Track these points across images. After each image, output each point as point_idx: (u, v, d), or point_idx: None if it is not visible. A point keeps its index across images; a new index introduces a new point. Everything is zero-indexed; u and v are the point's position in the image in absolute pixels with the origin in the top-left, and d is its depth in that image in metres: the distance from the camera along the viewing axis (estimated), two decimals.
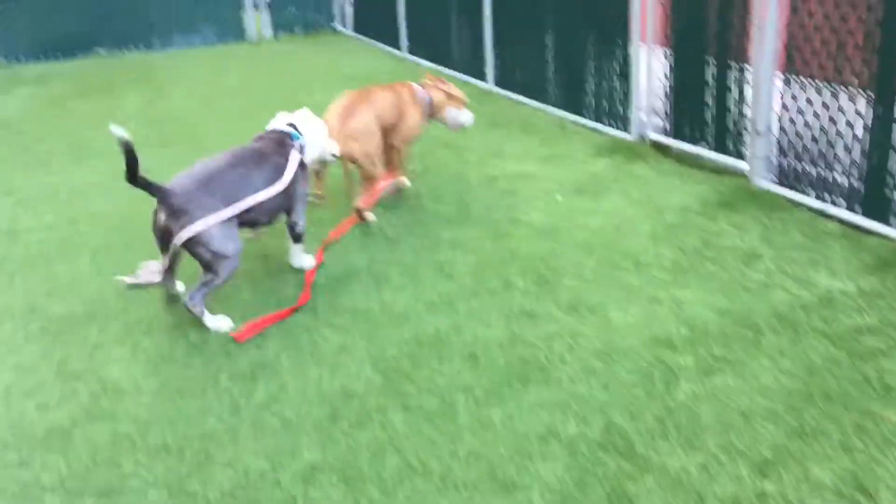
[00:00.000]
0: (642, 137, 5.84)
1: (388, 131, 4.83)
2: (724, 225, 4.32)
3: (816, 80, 4.30)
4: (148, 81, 9.56)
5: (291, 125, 4.07)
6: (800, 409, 2.77)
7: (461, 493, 2.51)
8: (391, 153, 4.94)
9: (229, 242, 3.52)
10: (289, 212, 3.96)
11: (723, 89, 5.04)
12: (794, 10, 4.35)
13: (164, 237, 3.50)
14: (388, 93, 4.89)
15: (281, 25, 13.07)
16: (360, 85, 4.97)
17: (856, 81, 4.08)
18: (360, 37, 12.32)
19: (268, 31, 13.01)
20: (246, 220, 3.68)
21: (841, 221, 4.22)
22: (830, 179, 4.35)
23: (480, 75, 8.18)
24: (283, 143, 3.95)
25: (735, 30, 4.84)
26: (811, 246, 4.00)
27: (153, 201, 3.47)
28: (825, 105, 4.28)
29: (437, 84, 5.10)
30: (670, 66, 5.49)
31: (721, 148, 5.18)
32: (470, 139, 6.00)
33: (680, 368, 3.06)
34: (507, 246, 4.25)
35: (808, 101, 4.38)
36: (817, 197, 4.42)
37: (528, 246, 4.23)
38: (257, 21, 12.98)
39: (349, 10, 12.93)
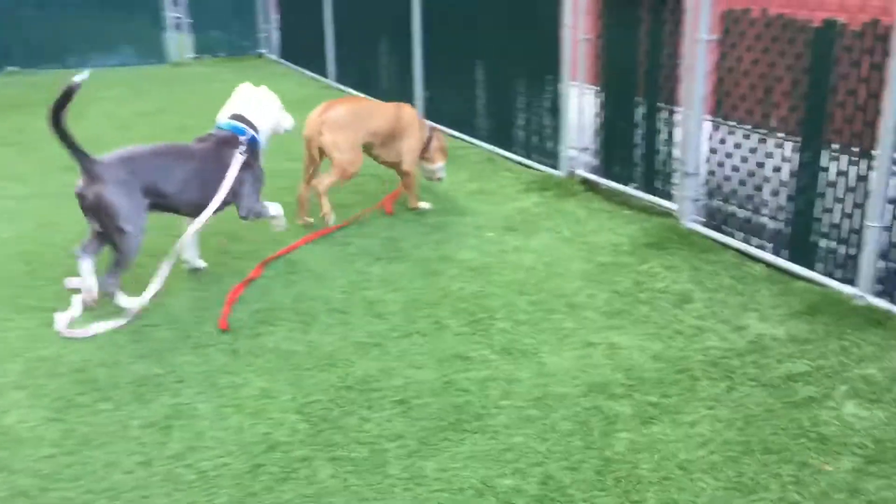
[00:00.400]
0: (572, 174, 5.83)
1: (381, 145, 5.04)
2: (655, 266, 4.30)
3: (745, 125, 4.35)
4: None
5: (239, 117, 4.24)
6: (738, 461, 2.72)
7: None
8: (403, 178, 5.23)
9: (134, 219, 3.72)
10: (235, 203, 4.18)
11: (652, 130, 5.07)
12: (722, 55, 4.40)
13: (82, 203, 3.71)
14: (382, 105, 5.27)
15: (204, 48, 12.77)
16: (289, 111, 4.82)
17: (783, 127, 4.14)
18: (287, 63, 12.13)
19: (190, 54, 12.69)
20: (162, 206, 3.92)
21: (768, 265, 4.26)
22: (757, 222, 4.39)
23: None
24: (225, 143, 4.12)
25: (664, 71, 4.88)
26: (740, 289, 4.01)
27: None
28: (753, 149, 4.33)
29: (437, 131, 5.34)
30: (601, 104, 5.51)
31: (650, 188, 5.20)
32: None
33: (617, 416, 2.98)
34: (437, 284, 4.13)
35: (737, 144, 4.42)
36: (744, 239, 4.46)
37: (459, 284, 4.12)
38: (179, 42, 12.65)
39: (276, 35, 12.73)
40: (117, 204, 3.65)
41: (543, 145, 6.13)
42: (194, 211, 4.00)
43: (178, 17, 12.87)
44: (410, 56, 7.85)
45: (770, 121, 4.20)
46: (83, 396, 3.16)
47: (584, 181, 5.74)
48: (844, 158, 3.83)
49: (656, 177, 5.13)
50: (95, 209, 3.67)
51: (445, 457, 2.77)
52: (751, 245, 4.40)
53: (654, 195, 5.16)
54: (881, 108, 3.58)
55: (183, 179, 3.93)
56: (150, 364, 3.38)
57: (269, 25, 12.87)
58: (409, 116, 5.19)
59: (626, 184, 5.39)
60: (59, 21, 11.62)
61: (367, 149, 5.03)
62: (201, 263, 4.33)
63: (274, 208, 4.39)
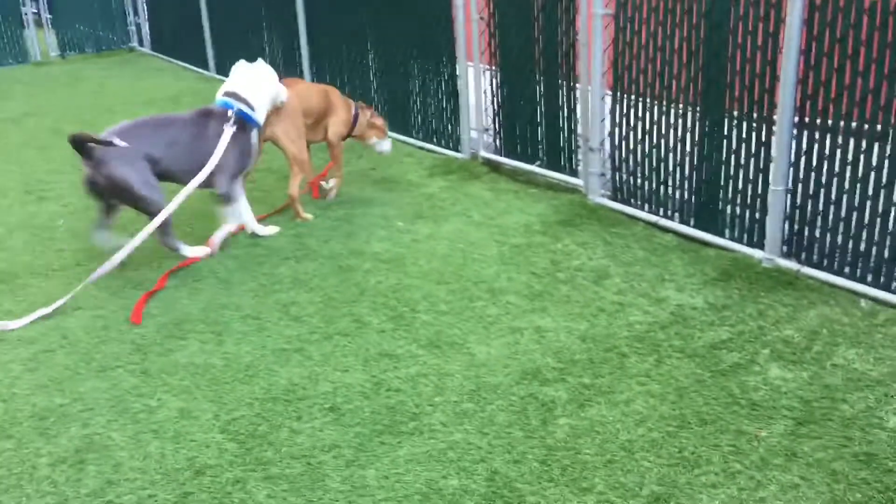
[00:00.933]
0: (475, 156, 5.78)
1: (315, 123, 5.01)
2: (569, 244, 4.30)
3: (646, 97, 4.38)
4: None
5: (232, 94, 4.33)
6: (677, 436, 2.73)
7: None
8: (331, 150, 5.18)
9: (149, 188, 3.98)
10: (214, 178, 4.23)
11: (553, 107, 5.06)
12: (620, 28, 4.42)
13: (91, 188, 3.97)
14: (314, 85, 5.33)
15: (69, 44, 12.03)
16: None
17: (683, 98, 4.19)
18: (161, 55, 11.58)
19: (54, 52, 11.93)
20: (161, 174, 4.09)
21: (677, 234, 4.33)
22: (664, 193, 4.45)
23: None
24: (214, 116, 4.25)
25: (563, 48, 4.86)
26: (655, 261, 4.05)
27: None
28: (655, 121, 4.37)
29: (364, 109, 5.29)
30: (498, 84, 5.47)
31: (554, 165, 5.20)
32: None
33: (554, 402, 2.95)
34: (352, 280, 4.00)
35: (639, 117, 4.46)
36: (652, 211, 4.51)
37: (375, 279, 4.00)
38: (41, 40, 11.87)
39: (146, 27, 12.12)
40: (128, 177, 3.91)
41: (444, 128, 6.05)
42: (187, 178, 4.13)
43: (37, 13, 12.08)
44: (296, 42, 7.60)
45: (670, 92, 4.25)
46: None
47: (488, 162, 5.70)
48: (745, 125, 3.91)
49: (560, 154, 5.13)
50: (111, 189, 3.94)
51: (385, 462, 2.66)
52: (659, 216, 4.46)
53: (560, 172, 5.17)
54: (779, 74, 3.66)
55: (172, 146, 4.10)
56: (51, 394, 3.11)
57: (138, 17, 12.25)
58: (335, 96, 5.17)
59: (530, 162, 5.37)
60: None
61: None
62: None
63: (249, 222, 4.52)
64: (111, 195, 4.01)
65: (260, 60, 4.59)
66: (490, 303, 3.71)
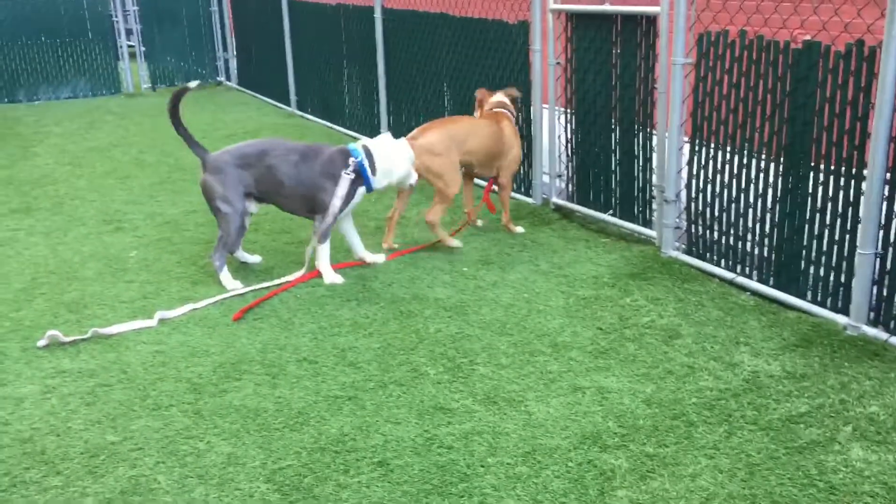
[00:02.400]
0: (546, 202, 5.66)
1: (484, 162, 5.09)
2: (638, 299, 4.13)
3: (726, 148, 4.21)
4: (9, 138, 8.80)
5: (365, 147, 4.48)
6: None
7: None
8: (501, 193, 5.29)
9: (225, 202, 4.37)
10: (315, 214, 4.49)
11: (628, 155, 4.92)
12: (700, 76, 4.26)
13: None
14: (480, 120, 5.18)
15: (160, 77, 12.47)
16: (244, 140, 4.66)
17: (765, 150, 4.00)
18: (245, 90, 11.87)
19: (145, 84, 12.38)
20: (262, 197, 4.49)
21: (754, 293, 4.11)
22: (742, 249, 4.24)
23: (374, 133, 7.89)
24: (335, 159, 4.43)
25: (640, 96, 4.73)
26: (729, 322, 3.85)
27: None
28: (735, 174, 4.19)
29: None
30: (573, 129, 5.36)
31: (628, 215, 5.04)
32: (366, 204, 5.68)
33: (613, 471, 2.78)
34: (412, 326, 3.91)
35: (718, 169, 4.28)
36: (729, 268, 4.31)
37: (435, 326, 3.90)
38: (134, 72, 12.34)
39: (233, 63, 12.47)
40: (213, 187, 4.37)
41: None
42: (283, 203, 4.51)
43: (132, 46, 12.56)
44: (375, 82, 7.66)
45: (752, 144, 4.06)
46: (30, 471, 2.87)
47: (559, 209, 5.57)
48: (832, 183, 3.69)
49: (634, 203, 4.98)
50: (203, 192, 4.43)
51: None
52: (736, 273, 4.25)
53: (633, 222, 5.00)
54: (869, 131, 3.45)
55: (271, 170, 4.40)
56: (104, 430, 3.10)
57: (227, 53, 12.62)
58: (508, 126, 5.17)
59: (602, 211, 5.22)
60: (7, 52, 11.24)
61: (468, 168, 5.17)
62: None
63: (324, 264, 4.54)
64: (205, 199, 4.47)
65: (403, 140, 4.64)
66: (552, 358, 3.56)
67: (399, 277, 4.53)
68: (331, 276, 4.48)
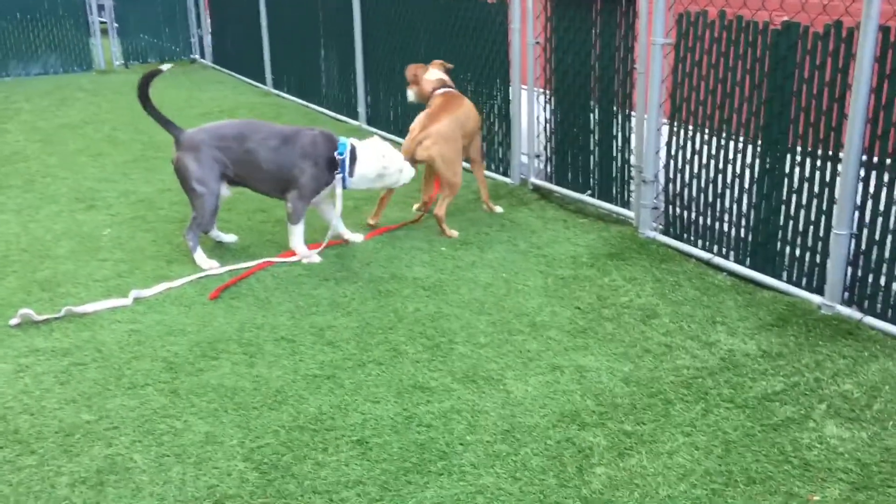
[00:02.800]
0: (524, 182, 5.66)
1: (468, 144, 5.01)
2: (616, 279, 4.14)
3: (704, 129, 4.22)
4: None
5: (352, 147, 4.44)
6: (722, 494, 2.55)
7: None
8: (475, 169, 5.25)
9: (201, 182, 4.26)
10: (287, 194, 4.41)
11: (607, 136, 4.92)
12: (680, 57, 4.26)
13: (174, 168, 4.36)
14: (466, 100, 5.05)
15: (133, 54, 12.27)
16: (220, 119, 4.59)
17: (743, 131, 4.01)
18: (221, 69, 11.73)
19: (118, 61, 12.18)
20: (236, 180, 4.38)
21: (731, 274, 4.14)
22: (719, 230, 4.26)
23: (352, 113, 7.84)
24: (318, 141, 4.36)
25: (619, 76, 4.73)
26: (706, 301, 3.87)
27: None
28: (713, 155, 4.20)
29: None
30: (552, 109, 5.35)
31: (606, 195, 5.05)
32: None
33: (591, 449, 2.79)
34: (391, 306, 3.90)
35: (696, 150, 4.29)
36: (706, 248, 4.33)
37: (414, 305, 3.89)
38: (106, 49, 12.13)
39: (209, 40, 12.30)
40: (187, 167, 4.25)
41: (494, 152, 5.94)
42: (265, 189, 4.45)
43: (105, 22, 12.35)
44: (352, 60, 7.59)
45: (731, 126, 4.08)
46: (3, 450, 2.83)
47: (537, 189, 5.57)
48: (809, 164, 3.72)
49: (612, 184, 4.98)
50: (176, 172, 4.32)
51: None
52: (713, 254, 4.27)
53: (611, 203, 5.01)
54: (846, 112, 3.47)
55: (250, 153, 4.31)
56: (79, 409, 3.07)
57: (202, 30, 12.44)
58: (472, 107, 5.08)
59: (581, 191, 5.23)
60: None
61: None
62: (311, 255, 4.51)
63: (298, 244, 4.48)
64: (178, 178, 4.35)
65: (388, 146, 4.57)
66: (531, 337, 3.57)
67: (377, 257, 4.51)
68: (306, 255, 4.44)
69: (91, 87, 10.44)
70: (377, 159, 4.47)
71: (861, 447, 2.77)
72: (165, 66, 4.53)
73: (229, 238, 4.74)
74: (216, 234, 4.67)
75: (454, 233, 4.81)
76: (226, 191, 4.40)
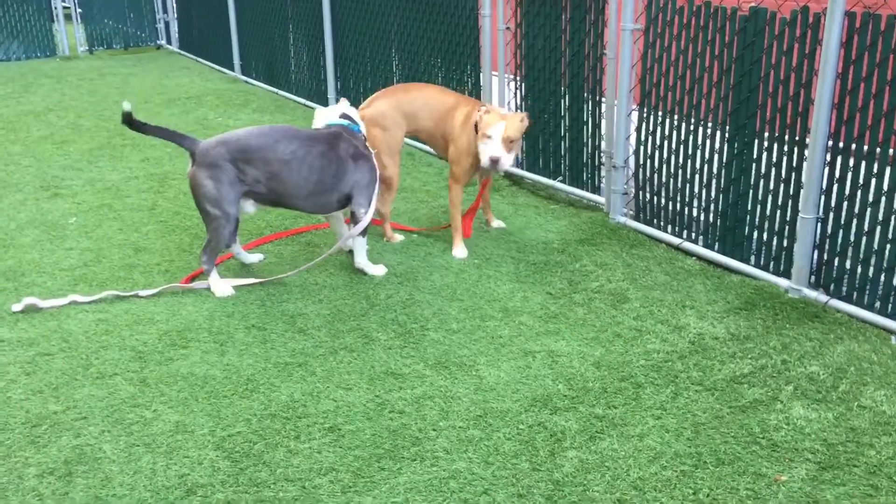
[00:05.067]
0: None
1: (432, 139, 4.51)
2: (587, 264, 4.16)
3: (673, 115, 4.24)
4: None
5: (346, 116, 4.08)
6: (692, 476, 2.58)
7: None
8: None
9: (217, 205, 3.75)
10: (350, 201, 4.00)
11: (577, 122, 4.93)
12: (649, 43, 4.28)
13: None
14: (434, 92, 4.50)
15: (97, 40, 12.07)
16: (188, 107, 4.49)
17: (711, 117, 4.04)
18: (187, 54, 11.57)
19: (82, 47, 11.97)
20: (262, 197, 3.85)
21: (700, 258, 4.18)
22: (688, 215, 4.30)
23: (322, 100, 7.78)
24: (348, 139, 3.96)
25: (589, 62, 4.73)
26: (676, 286, 3.91)
27: None
28: (682, 140, 4.23)
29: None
30: (522, 95, 5.34)
31: (576, 181, 5.07)
32: None
33: (563, 433, 2.81)
34: (362, 292, 3.88)
35: (666, 135, 4.32)
36: (675, 233, 4.37)
37: (385, 292, 3.88)
38: (70, 34, 11.92)
39: (174, 26, 12.13)
40: (203, 185, 3.74)
41: None
42: (303, 205, 3.93)
43: (68, 7, 12.12)
44: (321, 45, 7.53)
45: (699, 111, 4.10)
46: None
47: (508, 175, 5.57)
48: (776, 149, 3.76)
49: (583, 170, 5.00)
50: (191, 189, 3.81)
51: (384, 490, 2.54)
52: (683, 239, 4.31)
53: (582, 189, 5.03)
54: (813, 97, 3.51)
55: (287, 167, 3.81)
56: (46, 400, 3.02)
57: (167, 15, 12.26)
58: (461, 111, 4.35)
59: (552, 178, 5.24)
60: None
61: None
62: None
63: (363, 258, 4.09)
64: (192, 194, 3.83)
65: (345, 103, 4.18)
66: (503, 323, 3.58)
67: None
68: (374, 270, 4.08)
69: (55, 73, 10.25)
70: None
71: (827, 427, 2.81)
72: (126, 106, 3.71)
73: (254, 258, 4.26)
74: (238, 251, 4.19)
75: (396, 237, 4.51)
76: (250, 207, 3.90)
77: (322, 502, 2.49)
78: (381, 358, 3.30)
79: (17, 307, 3.70)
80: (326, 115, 4.10)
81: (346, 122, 4.04)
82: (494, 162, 4.01)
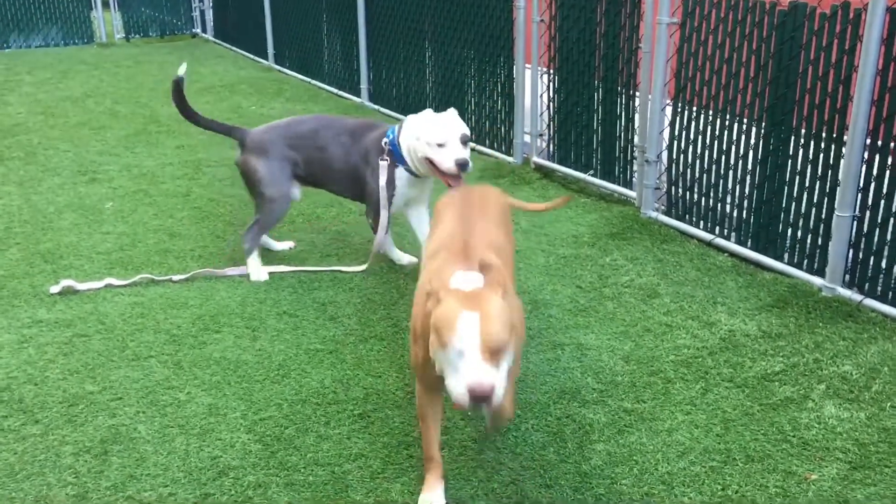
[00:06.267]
0: (527, 161, 5.65)
1: None
2: (618, 258, 4.15)
3: (708, 110, 4.21)
4: None
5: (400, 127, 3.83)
6: (721, 472, 2.58)
7: None
8: None
9: (273, 185, 3.85)
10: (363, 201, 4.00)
11: (610, 115, 4.91)
12: (685, 37, 4.25)
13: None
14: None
15: (134, 27, 12.21)
16: (221, 95, 4.54)
17: (747, 112, 4.01)
18: (222, 43, 11.67)
19: (119, 34, 12.12)
20: (305, 179, 3.96)
21: (733, 255, 4.15)
22: (721, 211, 4.27)
23: (354, 90, 7.81)
24: (377, 141, 3.84)
25: (624, 55, 4.71)
26: (707, 282, 3.89)
27: None
28: (716, 136, 4.20)
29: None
30: (555, 88, 5.33)
31: (608, 175, 5.05)
32: None
33: (591, 425, 2.82)
34: (393, 282, 3.91)
35: (700, 130, 4.28)
36: (708, 229, 4.34)
37: (409, 282, 3.90)
38: (107, 22, 12.07)
39: (209, 14, 12.23)
40: (255, 168, 3.86)
41: (497, 130, 5.93)
42: (329, 187, 4.01)
43: None
44: (355, 38, 7.56)
45: (735, 107, 4.07)
46: (8, 419, 2.85)
47: (540, 168, 5.57)
48: (812, 146, 3.72)
49: (615, 164, 4.98)
50: (242, 175, 3.94)
51: (412, 477, 2.57)
52: (715, 235, 4.28)
53: (613, 183, 5.02)
54: (851, 94, 3.47)
55: (318, 152, 3.90)
56: (82, 380, 3.09)
57: (203, 3, 12.37)
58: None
59: (583, 171, 5.23)
60: None
61: None
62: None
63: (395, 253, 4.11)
64: (244, 180, 3.98)
65: (452, 111, 3.76)
66: (532, 315, 3.59)
67: None
68: (404, 259, 4.12)
69: (92, 60, 10.39)
70: (419, 131, 3.71)
71: (859, 427, 2.79)
72: (182, 69, 4.00)
73: (284, 246, 4.31)
74: (266, 239, 4.22)
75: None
76: (297, 192, 4.00)
77: (351, 487, 2.52)
78: (410, 347, 3.32)
79: (54, 289, 3.77)
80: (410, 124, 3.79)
81: (392, 132, 3.81)
82: (481, 398, 1.94)
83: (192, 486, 2.53)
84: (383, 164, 3.76)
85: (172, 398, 2.98)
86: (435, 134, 3.63)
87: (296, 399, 2.97)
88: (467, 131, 3.71)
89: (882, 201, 3.45)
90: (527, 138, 5.67)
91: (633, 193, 4.84)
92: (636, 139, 4.75)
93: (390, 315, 3.58)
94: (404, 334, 3.42)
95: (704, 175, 4.32)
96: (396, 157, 3.79)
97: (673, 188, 4.54)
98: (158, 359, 3.24)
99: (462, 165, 3.62)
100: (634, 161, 4.81)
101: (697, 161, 4.34)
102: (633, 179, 4.86)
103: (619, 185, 4.98)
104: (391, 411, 2.90)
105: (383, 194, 3.79)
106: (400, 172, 3.82)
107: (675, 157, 4.48)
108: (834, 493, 2.48)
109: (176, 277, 3.90)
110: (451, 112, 3.74)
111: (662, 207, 4.64)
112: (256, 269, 3.93)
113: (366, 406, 2.93)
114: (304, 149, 3.89)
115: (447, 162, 3.62)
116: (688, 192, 4.44)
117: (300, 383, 3.07)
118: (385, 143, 3.78)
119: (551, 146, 5.52)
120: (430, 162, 3.68)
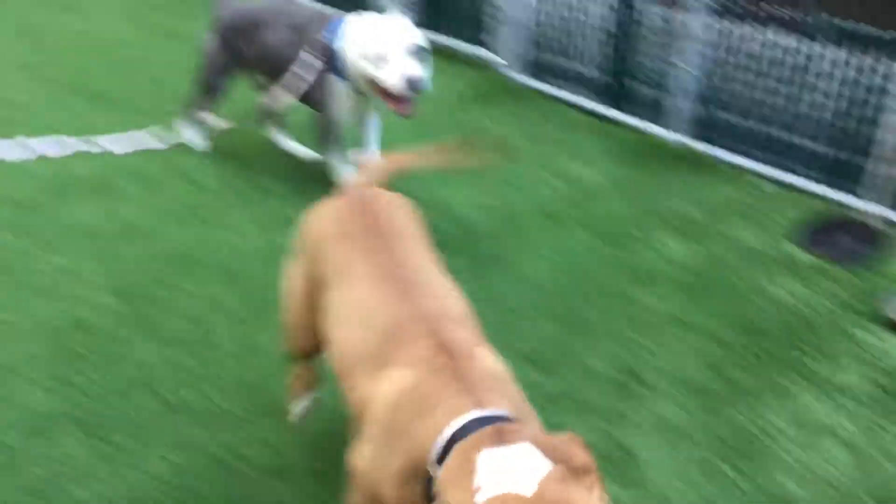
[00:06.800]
0: None
1: None
2: (482, 119, 4.23)
3: None
4: None
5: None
6: (571, 304, 2.78)
7: (230, 425, 2.24)
8: None
9: (212, 71, 3.53)
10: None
11: None
12: None
13: None
14: None
15: None
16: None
17: None
18: None
19: None
20: (248, 64, 3.45)
21: (591, 113, 4.30)
22: (579, 72, 4.39)
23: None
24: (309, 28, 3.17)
25: None
26: (566, 138, 4.03)
27: None
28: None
29: None
30: None
31: (475, 41, 5.06)
32: None
33: (454, 270, 2.94)
34: (259, 146, 3.86)
35: None
36: (569, 90, 4.46)
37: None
38: None
39: None
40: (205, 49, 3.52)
41: None
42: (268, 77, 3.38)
43: None
44: None
45: None
46: None
47: None
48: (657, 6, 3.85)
49: (481, 29, 4.98)
50: None
51: (278, 325, 2.63)
52: (575, 95, 4.41)
53: (479, 47, 5.03)
54: None
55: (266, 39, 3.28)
56: None
57: None
58: None
59: (453, 36, 5.21)
60: None
61: None
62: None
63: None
64: None
65: (403, 18, 3.18)
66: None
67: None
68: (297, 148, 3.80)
69: None
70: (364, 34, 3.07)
71: (697, 258, 3.04)
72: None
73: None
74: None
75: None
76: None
77: (217, 337, 2.57)
78: (275, 207, 3.33)
79: None
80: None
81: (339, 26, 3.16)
82: None
83: (56, 345, 2.53)
84: (308, 59, 3.13)
85: (24, 264, 2.90)
86: (372, 45, 2.99)
87: (160, 258, 2.97)
88: (419, 40, 3.03)
89: (728, 58, 3.64)
90: (393, 6, 5.56)
91: (498, 58, 4.88)
92: (501, 4, 4.75)
93: (253, 179, 3.56)
94: (269, 196, 3.41)
95: (562, 38, 4.40)
96: (334, 66, 3.14)
97: (536, 51, 4.60)
98: (10, 230, 3.12)
99: (413, 83, 3.00)
100: (500, 25, 4.82)
101: (560, 24, 4.40)
102: (498, 44, 4.88)
103: (486, 49, 4.99)
104: (256, 267, 2.93)
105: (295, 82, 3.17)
106: (341, 86, 3.18)
107: (537, 20, 4.52)
108: (672, 317, 2.73)
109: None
110: (397, 16, 3.13)
111: (527, 70, 4.71)
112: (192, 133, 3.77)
113: (231, 263, 2.95)
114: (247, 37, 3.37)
115: (391, 78, 2.98)
116: (549, 55, 4.52)
117: (164, 245, 3.06)
118: (319, 36, 3.10)
119: (420, 14, 5.44)
120: (374, 83, 3.04)
